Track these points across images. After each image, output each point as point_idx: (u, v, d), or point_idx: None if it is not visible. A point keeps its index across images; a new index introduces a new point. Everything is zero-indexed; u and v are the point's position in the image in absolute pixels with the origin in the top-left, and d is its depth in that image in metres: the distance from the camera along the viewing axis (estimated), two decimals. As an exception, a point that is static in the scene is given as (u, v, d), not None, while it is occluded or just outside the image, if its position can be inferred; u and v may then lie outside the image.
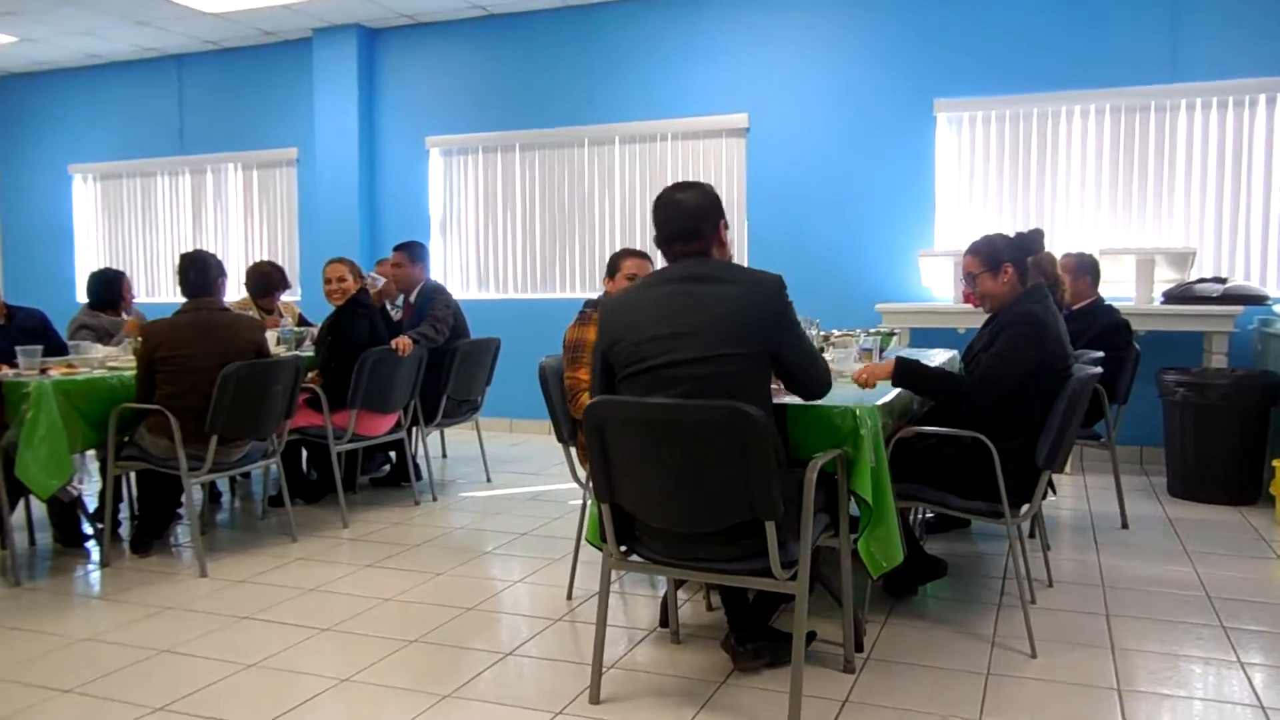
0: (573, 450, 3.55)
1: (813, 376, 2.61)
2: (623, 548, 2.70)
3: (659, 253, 2.62)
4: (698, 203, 2.55)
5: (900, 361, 3.21)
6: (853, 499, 2.79)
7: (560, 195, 7.41)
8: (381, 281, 5.69)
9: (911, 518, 4.01)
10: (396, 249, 5.57)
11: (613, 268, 4.19)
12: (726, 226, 2.61)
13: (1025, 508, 3.23)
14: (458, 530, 4.64)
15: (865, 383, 3.25)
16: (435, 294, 5.40)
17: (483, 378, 5.55)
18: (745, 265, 2.60)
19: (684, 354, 2.42)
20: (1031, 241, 3.41)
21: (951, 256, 5.93)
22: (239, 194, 8.50)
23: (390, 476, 5.54)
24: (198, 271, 4.11)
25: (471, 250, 7.73)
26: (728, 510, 2.43)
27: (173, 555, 4.20)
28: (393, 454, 5.71)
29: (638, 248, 3.99)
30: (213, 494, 5.17)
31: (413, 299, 5.50)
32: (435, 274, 7.68)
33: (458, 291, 7.62)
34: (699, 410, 2.35)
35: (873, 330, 4.55)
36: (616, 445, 2.51)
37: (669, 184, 2.69)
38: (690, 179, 2.69)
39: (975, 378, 3.19)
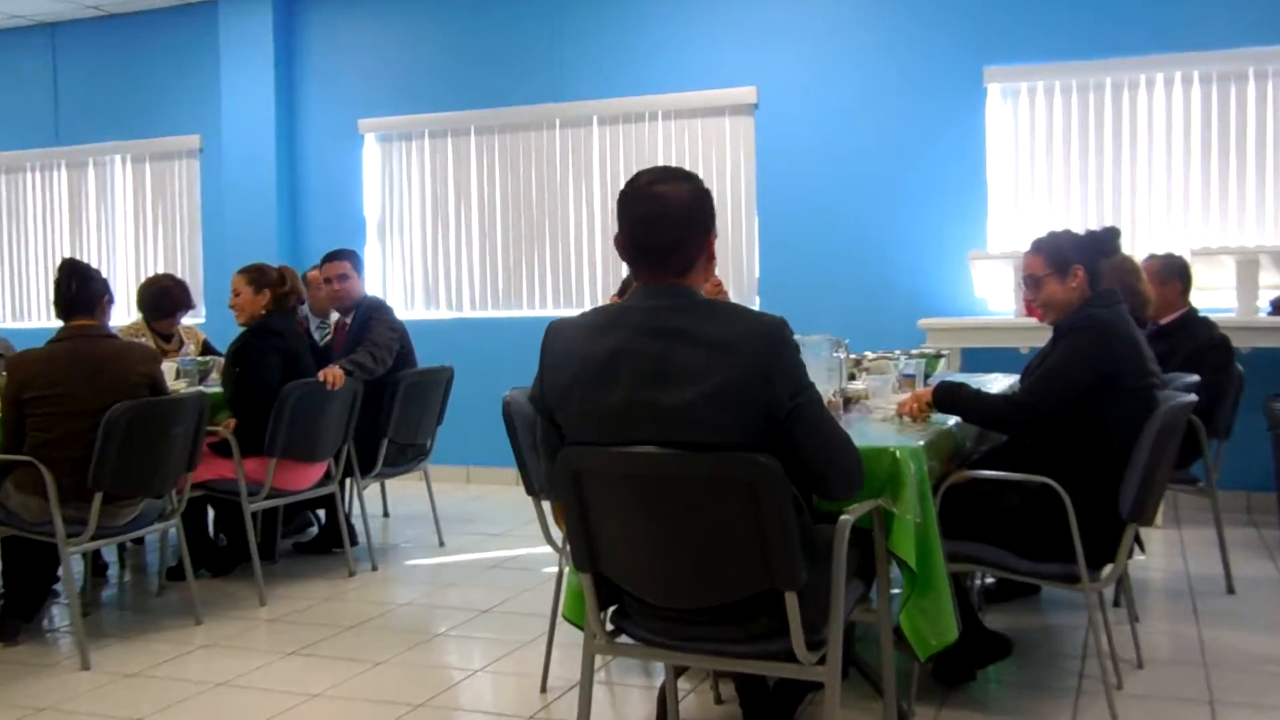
0: (546, 506, 3.55)
1: (833, 459, 2.43)
2: (609, 627, 2.68)
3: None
4: (687, 202, 2.41)
5: (942, 385, 3.23)
6: (894, 562, 2.79)
7: (527, 190, 7.45)
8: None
9: (967, 584, 4.01)
10: (332, 258, 5.58)
11: (626, 287, 4.22)
12: (714, 236, 2.49)
13: (1108, 570, 3.23)
14: (403, 607, 4.62)
15: (914, 414, 3.26)
16: (375, 313, 5.40)
17: (432, 416, 5.55)
18: (736, 304, 2.50)
19: (656, 436, 2.33)
20: (1105, 241, 3.45)
21: (1009, 259, 5.98)
22: (128, 192, 8.52)
23: (318, 541, 5.53)
24: (79, 283, 4.10)
25: (417, 258, 7.76)
26: (739, 580, 2.42)
27: (47, 642, 4.16)
28: (321, 513, 5.69)
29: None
30: (97, 566, 5.14)
31: (347, 319, 5.52)
32: (372, 288, 7.69)
33: (400, 310, 7.63)
34: (700, 461, 2.34)
35: (915, 351, 4.57)
36: (598, 502, 2.49)
37: (644, 170, 2.49)
38: (681, 166, 2.55)
39: (1021, 394, 3.22)
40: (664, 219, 2.39)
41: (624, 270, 4.20)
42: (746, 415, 2.31)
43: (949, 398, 3.27)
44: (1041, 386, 3.22)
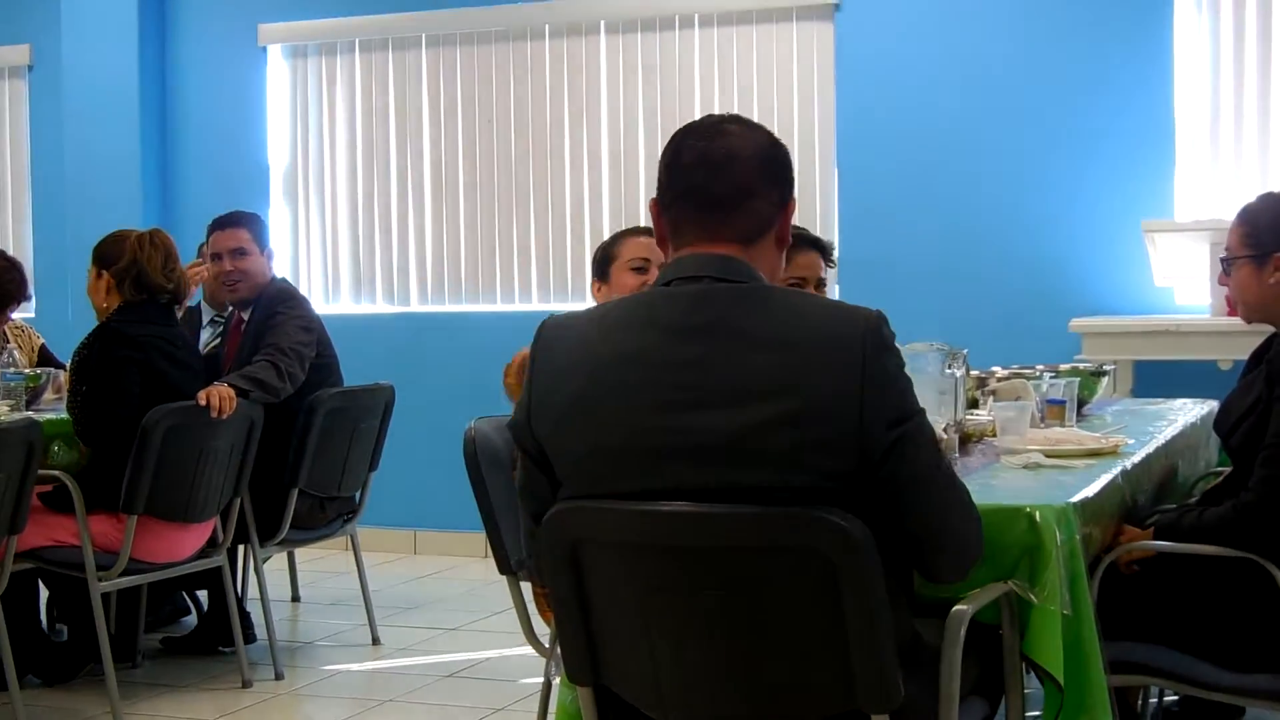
0: (528, 588, 3.56)
1: (945, 523, 2.46)
2: (619, 765, 2.70)
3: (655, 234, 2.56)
4: (766, 147, 2.50)
5: (1159, 520, 3.29)
6: (1031, 673, 2.79)
7: (504, 128, 7.48)
8: None
9: (1139, 705, 4.00)
10: (222, 224, 5.57)
11: (604, 260, 4.24)
12: (793, 207, 2.53)
13: (1344, 687, 3.23)
14: (320, 734, 4.63)
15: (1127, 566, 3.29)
16: (282, 305, 5.43)
17: (364, 458, 5.56)
18: (812, 293, 2.54)
19: (694, 481, 2.36)
20: None
21: (1206, 232, 5.96)
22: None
23: (198, 635, 5.54)
24: None
25: (344, 227, 7.80)
26: (808, 697, 2.43)
27: None
28: (203, 595, 5.70)
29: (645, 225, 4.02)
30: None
31: (244, 314, 5.55)
32: (279, 269, 7.70)
33: (319, 301, 7.66)
34: (753, 524, 2.35)
35: (1065, 367, 4.56)
36: (604, 584, 2.50)
37: (712, 114, 2.60)
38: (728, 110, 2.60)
39: (1255, 490, 3.19)
40: (734, 157, 2.46)
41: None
42: (825, 454, 2.32)
43: (1168, 535, 3.26)
44: (1278, 471, 3.19)
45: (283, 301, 5.44)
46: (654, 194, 2.54)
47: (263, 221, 5.69)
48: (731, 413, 2.31)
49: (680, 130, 2.53)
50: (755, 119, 2.61)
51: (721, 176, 2.44)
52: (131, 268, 4.86)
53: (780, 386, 2.30)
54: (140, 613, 5.38)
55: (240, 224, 5.55)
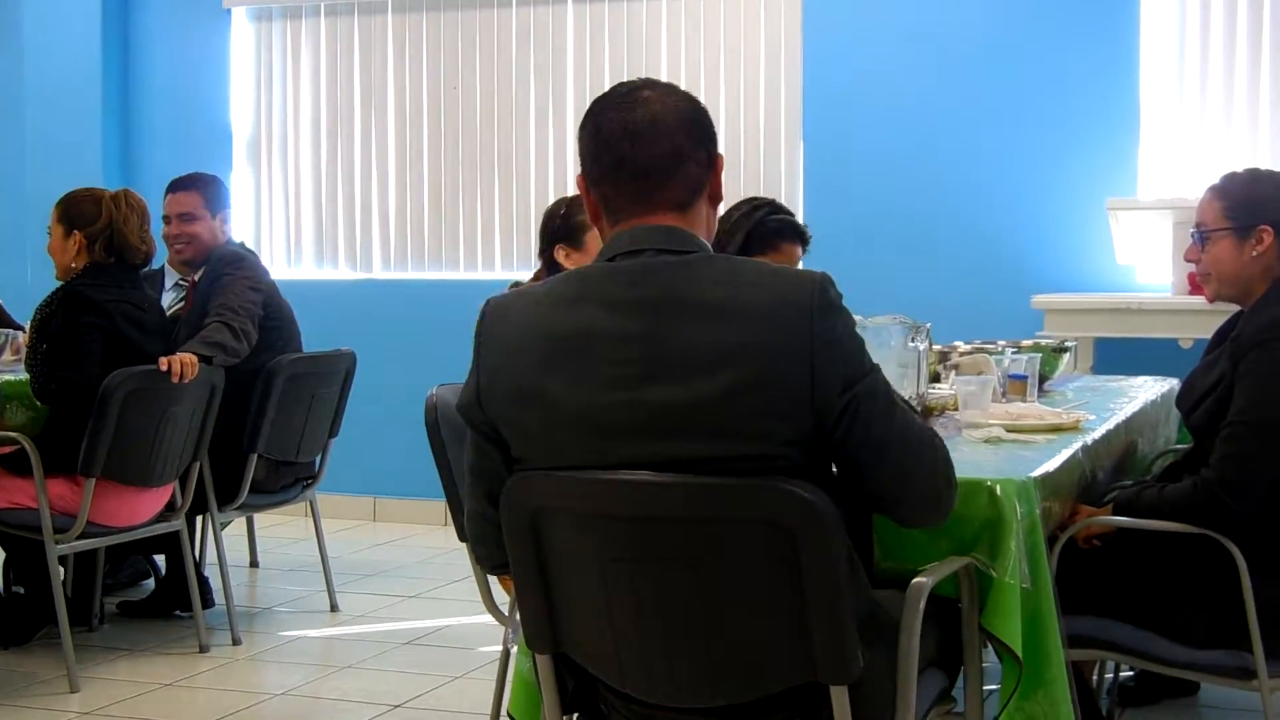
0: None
1: (908, 475, 2.45)
2: (575, 734, 2.70)
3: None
4: (687, 107, 2.48)
5: (1117, 496, 3.32)
6: (989, 646, 2.80)
7: (469, 95, 7.46)
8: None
9: (1094, 679, 4.03)
10: (173, 188, 5.58)
11: (572, 226, 4.25)
12: (722, 161, 2.53)
13: (1296, 663, 3.26)
14: (279, 698, 4.62)
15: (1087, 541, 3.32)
16: (229, 267, 5.41)
17: (324, 424, 5.57)
18: (758, 260, 2.52)
19: (650, 454, 2.34)
20: None
21: (1169, 210, 5.98)
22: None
23: (156, 599, 5.53)
24: None
25: (306, 192, 7.78)
26: (768, 668, 2.43)
27: None
28: (160, 559, 5.69)
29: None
30: None
31: (197, 277, 5.54)
32: (241, 238, 7.66)
33: (280, 267, 7.64)
34: (716, 495, 2.35)
35: (1027, 342, 4.57)
36: (564, 554, 2.50)
37: (623, 82, 2.57)
38: (658, 79, 2.57)
39: (1216, 468, 3.21)
40: (658, 125, 2.44)
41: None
42: (780, 421, 2.32)
43: (1126, 511, 3.29)
44: (1240, 449, 3.20)
45: (230, 264, 5.41)
46: (578, 171, 2.53)
47: (219, 184, 5.66)
48: (683, 385, 2.31)
49: (596, 101, 2.51)
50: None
51: (648, 145, 2.43)
52: (106, 229, 4.84)
53: (730, 356, 2.30)
54: (98, 576, 5.37)
55: (191, 187, 5.54)
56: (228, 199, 5.69)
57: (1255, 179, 3.47)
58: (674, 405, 2.32)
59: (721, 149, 2.56)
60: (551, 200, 7.06)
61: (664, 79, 2.62)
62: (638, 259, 2.39)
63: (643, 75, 2.57)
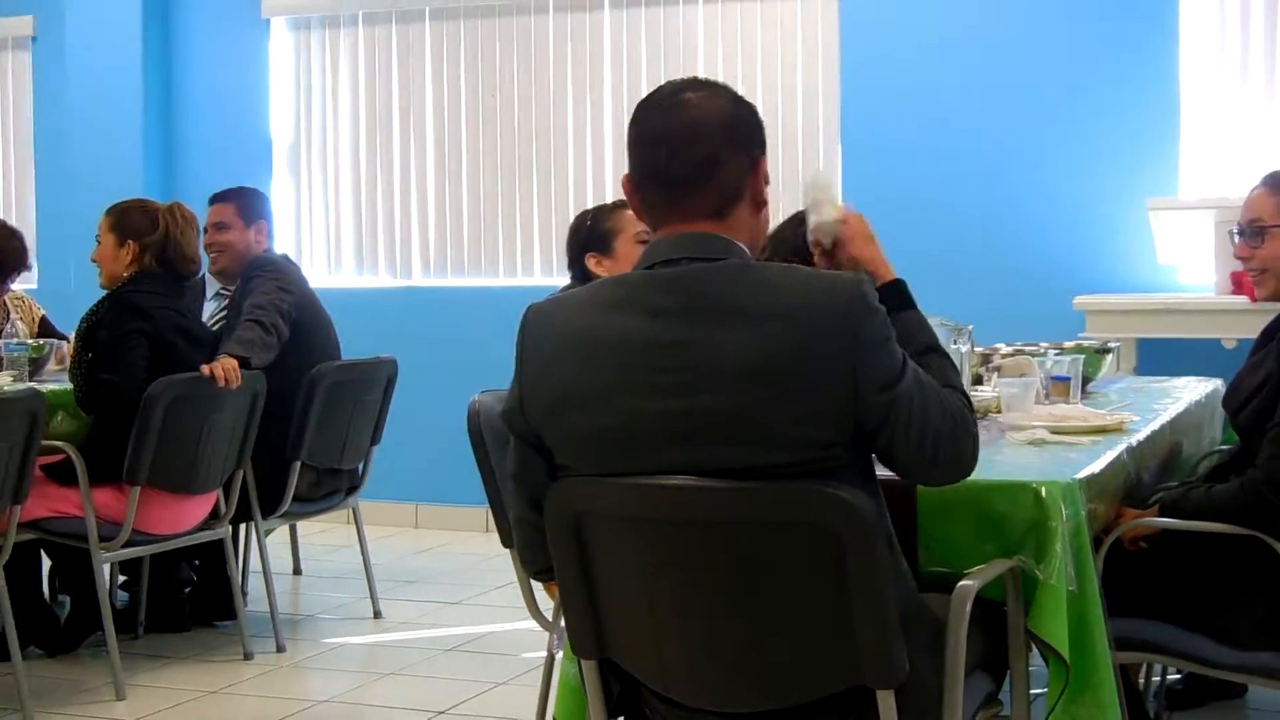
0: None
1: (939, 456, 2.46)
2: (622, 739, 2.70)
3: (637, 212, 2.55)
4: (728, 112, 2.45)
5: (1164, 498, 3.29)
6: (1036, 649, 2.79)
7: (507, 104, 7.47)
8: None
9: (1141, 682, 4.00)
10: (213, 200, 5.64)
11: (604, 234, 4.26)
12: (765, 165, 2.50)
13: (1346, 666, 3.24)
14: (322, 706, 4.63)
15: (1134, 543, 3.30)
16: (262, 270, 5.45)
17: (365, 432, 5.57)
18: (795, 264, 2.48)
19: (694, 462, 2.34)
20: None
21: (1211, 210, 5.95)
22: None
23: (196, 607, 5.55)
24: None
25: (346, 201, 7.81)
26: (813, 672, 2.43)
27: None
28: (196, 563, 5.70)
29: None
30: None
31: (231, 289, 5.61)
32: (283, 248, 7.69)
33: (321, 275, 7.67)
34: (759, 499, 2.35)
35: (1070, 344, 4.55)
36: (608, 559, 2.51)
37: (670, 81, 2.55)
38: (709, 78, 2.56)
39: (1263, 468, 3.19)
40: (694, 131, 2.43)
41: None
42: (822, 426, 2.33)
43: (1173, 512, 3.27)
44: None
45: (261, 268, 5.46)
46: (624, 174, 2.53)
47: (256, 195, 5.71)
48: (724, 393, 2.31)
49: (640, 104, 2.51)
50: (759, 94, 2.60)
51: (684, 152, 2.43)
52: (162, 241, 4.92)
53: (770, 362, 2.30)
54: (143, 585, 5.39)
55: (226, 199, 5.62)
56: (265, 210, 5.73)
57: None
58: (715, 413, 2.32)
59: (762, 153, 2.54)
60: (590, 202, 7.14)
61: (700, 75, 2.60)
62: (676, 267, 2.39)
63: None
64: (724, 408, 2.31)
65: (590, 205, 7.12)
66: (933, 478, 2.54)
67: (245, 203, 5.63)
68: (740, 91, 2.54)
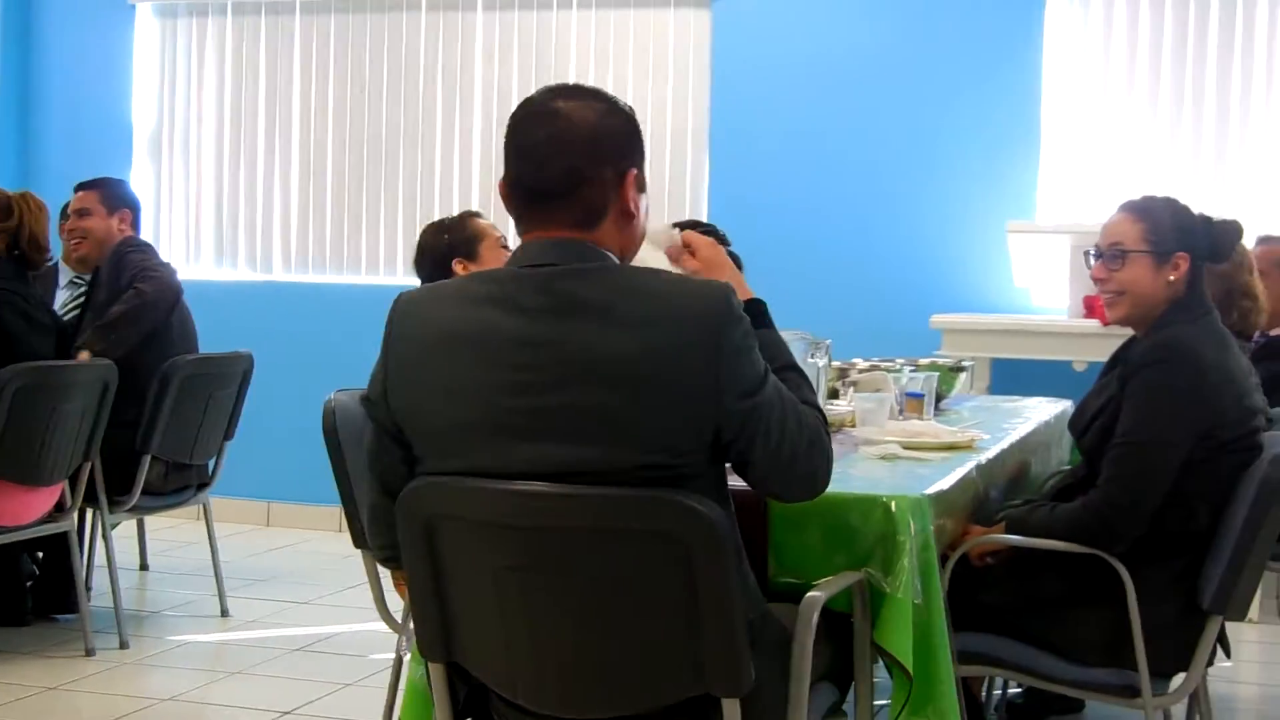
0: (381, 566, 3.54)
1: (794, 474, 2.48)
2: (467, 743, 2.69)
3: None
4: (594, 124, 2.43)
5: (1008, 515, 3.36)
6: (880, 660, 2.82)
7: (375, 101, 7.43)
8: None
9: (982, 696, 4.07)
10: (79, 187, 5.59)
11: (468, 240, 4.28)
12: (638, 180, 2.47)
13: (1179, 680, 3.31)
14: (165, 704, 4.56)
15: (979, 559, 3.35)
16: (128, 254, 5.43)
17: (219, 426, 5.52)
18: (661, 270, 2.50)
19: (549, 460, 2.34)
20: (1223, 239, 3.50)
21: (1067, 234, 6.07)
22: None
23: (38, 601, 5.43)
24: None
25: (208, 192, 7.70)
26: (659, 680, 2.44)
27: None
28: (39, 555, 5.60)
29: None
30: None
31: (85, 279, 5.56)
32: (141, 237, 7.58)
33: (180, 266, 7.52)
34: (609, 507, 2.35)
35: (925, 361, 4.62)
36: (459, 564, 2.50)
37: (544, 88, 2.54)
38: (590, 84, 2.56)
39: (1103, 490, 3.27)
40: (558, 142, 2.41)
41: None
42: (683, 430, 2.34)
43: (1018, 530, 3.34)
44: (1127, 469, 3.25)
45: (129, 252, 5.45)
46: (499, 178, 2.52)
47: (121, 185, 5.70)
48: (586, 393, 2.32)
49: (515, 110, 2.49)
50: (630, 102, 2.58)
51: (547, 165, 2.42)
52: (17, 228, 4.87)
53: (634, 365, 2.31)
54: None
55: (92, 186, 5.59)
56: (129, 200, 5.68)
57: (1177, 208, 3.51)
58: (574, 412, 2.33)
59: (628, 161, 2.52)
60: (456, 207, 7.12)
61: (571, 81, 2.58)
62: (545, 267, 2.39)
63: (550, 83, 2.55)
64: (583, 406, 2.32)
65: (455, 206, 7.16)
66: (787, 493, 2.55)
67: (109, 191, 5.58)
68: (611, 97, 2.53)
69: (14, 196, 4.94)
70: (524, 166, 2.44)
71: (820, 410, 2.58)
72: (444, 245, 4.31)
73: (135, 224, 5.66)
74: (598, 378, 2.32)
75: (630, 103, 2.55)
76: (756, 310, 2.66)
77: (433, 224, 4.51)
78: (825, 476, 2.53)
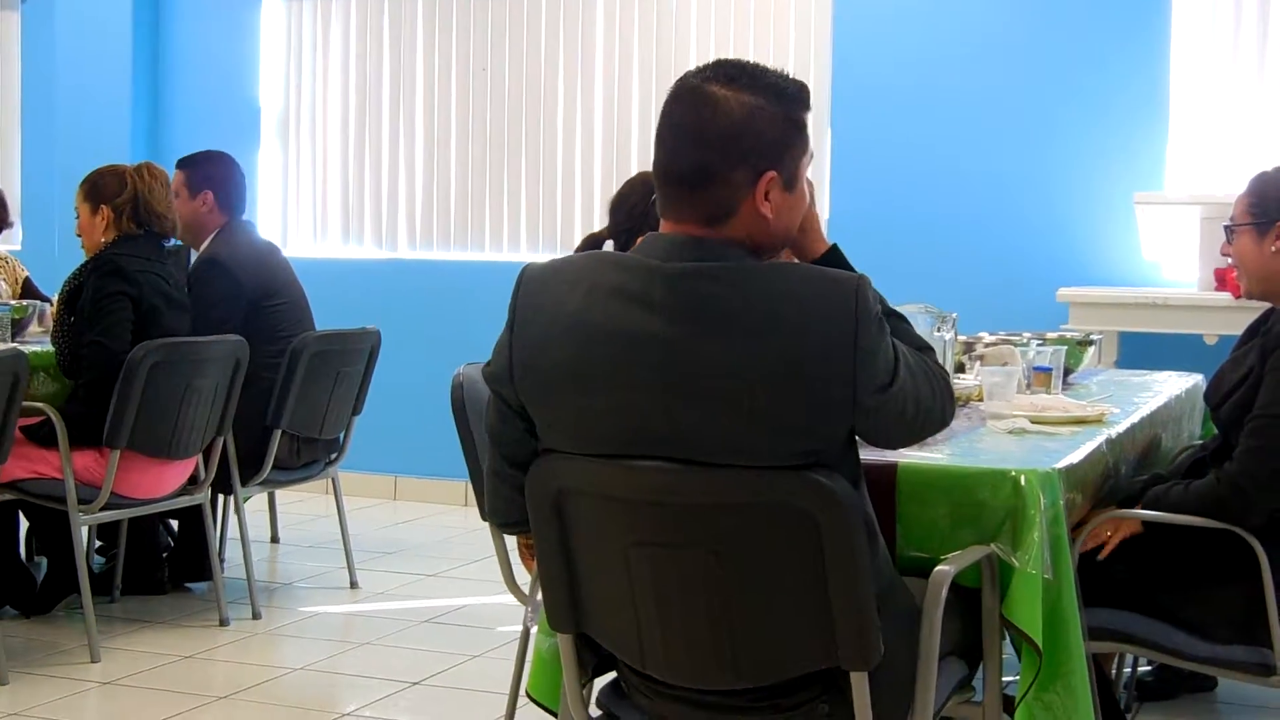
0: (510, 539, 3.56)
1: (926, 419, 2.51)
2: (596, 712, 2.70)
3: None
4: (740, 115, 2.34)
5: (1149, 495, 3.30)
6: (1009, 636, 2.80)
7: (498, 80, 7.46)
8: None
9: (1113, 672, 4.02)
10: (176, 165, 5.60)
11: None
12: (781, 182, 2.39)
13: (1317, 660, 3.26)
14: (297, 673, 4.64)
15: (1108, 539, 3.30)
16: (207, 273, 5.36)
17: (346, 402, 5.58)
18: (791, 263, 2.46)
19: (660, 450, 2.35)
20: None
21: (1197, 206, 5.97)
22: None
23: (173, 571, 5.54)
24: None
25: (334, 171, 7.80)
26: (788, 653, 2.45)
27: None
28: (174, 526, 5.72)
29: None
30: None
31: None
32: (269, 214, 7.71)
33: (307, 244, 7.68)
34: (740, 485, 2.36)
35: (1053, 335, 4.56)
36: (588, 538, 2.51)
37: (710, 62, 2.45)
38: (737, 57, 2.46)
39: (1240, 463, 3.21)
40: (695, 133, 2.37)
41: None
42: (817, 428, 2.34)
43: (1156, 507, 3.30)
44: (1266, 441, 3.20)
45: (207, 268, 5.38)
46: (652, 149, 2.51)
47: (211, 164, 5.56)
48: (716, 396, 2.31)
49: (677, 80, 2.43)
50: (802, 86, 2.50)
51: (680, 156, 2.39)
52: (132, 200, 4.91)
53: (766, 369, 2.30)
54: (120, 547, 5.39)
55: (181, 166, 5.56)
56: (212, 179, 5.52)
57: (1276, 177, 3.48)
58: (704, 414, 2.32)
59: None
60: (578, 183, 7.16)
61: (691, 66, 2.53)
62: (674, 263, 2.35)
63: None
64: (714, 411, 2.32)
65: (577, 181, 7.20)
66: (915, 442, 2.63)
67: (194, 171, 5.52)
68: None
69: (129, 169, 4.99)
70: (661, 149, 2.42)
71: (928, 346, 2.59)
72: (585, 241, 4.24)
73: (224, 203, 5.52)
74: (726, 381, 2.31)
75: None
76: (834, 258, 2.60)
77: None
78: (951, 415, 2.60)
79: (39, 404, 4.66)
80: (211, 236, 5.47)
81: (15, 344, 5.05)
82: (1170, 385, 4.41)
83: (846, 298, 2.32)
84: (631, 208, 4.27)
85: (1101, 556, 3.29)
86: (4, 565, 4.99)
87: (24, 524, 5.27)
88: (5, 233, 5.86)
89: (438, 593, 5.63)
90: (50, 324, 5.40)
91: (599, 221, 7.22)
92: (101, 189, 4.92)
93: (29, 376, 4.42)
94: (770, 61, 2.51)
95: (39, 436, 4.72)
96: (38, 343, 5.29)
